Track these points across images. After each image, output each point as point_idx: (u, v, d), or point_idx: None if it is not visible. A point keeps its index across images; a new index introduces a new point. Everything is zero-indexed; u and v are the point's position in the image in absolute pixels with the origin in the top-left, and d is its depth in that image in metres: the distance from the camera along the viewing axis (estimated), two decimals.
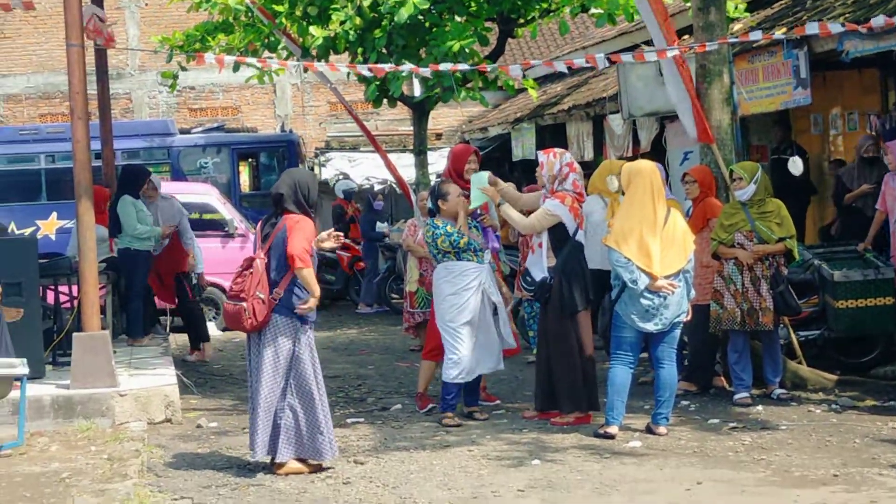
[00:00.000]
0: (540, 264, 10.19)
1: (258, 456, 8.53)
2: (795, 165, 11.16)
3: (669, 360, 9.64)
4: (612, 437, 9.42)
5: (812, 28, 10.78)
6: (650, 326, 9.47)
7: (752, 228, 10.74)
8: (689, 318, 9.68)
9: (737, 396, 10.74)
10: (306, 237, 8.44)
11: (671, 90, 11.93)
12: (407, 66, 11.14)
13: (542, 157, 10.40)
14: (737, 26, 15.71)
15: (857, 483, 7.91)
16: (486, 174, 10.60)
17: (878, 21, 10.63)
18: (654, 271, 9.33)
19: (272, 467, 8.58)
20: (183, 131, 23.96)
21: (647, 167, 9.63)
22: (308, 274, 8.41)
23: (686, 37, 15.36)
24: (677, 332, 9.67)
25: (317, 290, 8.48)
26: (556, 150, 10.55)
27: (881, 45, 11.10)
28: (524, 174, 21.49)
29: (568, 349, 10.03)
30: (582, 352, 10.05)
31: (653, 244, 9.35)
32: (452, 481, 8.26)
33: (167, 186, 16.83)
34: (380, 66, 11.36)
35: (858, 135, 14.95)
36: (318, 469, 8.59)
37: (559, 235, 10.14)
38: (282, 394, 8.47)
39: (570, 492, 7.91)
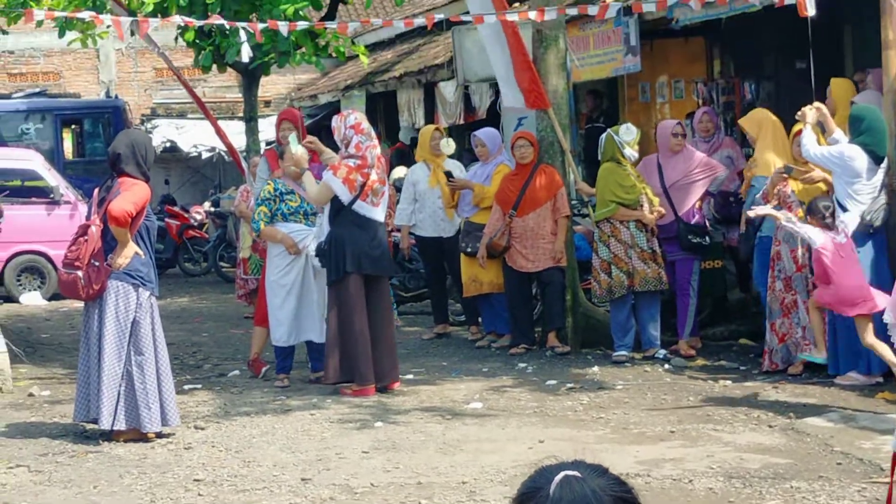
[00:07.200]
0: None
1: (105, 425, 8.30)
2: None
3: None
4: None
5: (649, 6, 10.80)
6: None
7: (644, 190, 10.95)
8: None
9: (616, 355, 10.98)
10: (134, 200, 8.22)
11: (493, 57, 11.97)
12: (243, 25, 10.94)
13: (333, 121, 10.04)
14: None
15: (693, 438, 8.11)
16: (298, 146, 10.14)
17: None
18: None
19: (110, 434, 8.40)
20: (2, 97, 23.27)
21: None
22: (121, 233, 8.20)
23: (517, 4, 15.46)
24: None
25: (130, 249, 8.25)
26: (343, 112, 10.22)
27: (710, 13, 11.34)
28: None
29: (340, 317, 9.78)
30: (354, 320, 9.77)
31: None
32: (296, 444, 8.22)
33: None
34: (216, 20, 11.17)
35: (685, 103, 15.26)
36: (157, 436, 8.46)
37: (334, 205, 9.80)
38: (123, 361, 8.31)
39: (414, 452, 7.93)
